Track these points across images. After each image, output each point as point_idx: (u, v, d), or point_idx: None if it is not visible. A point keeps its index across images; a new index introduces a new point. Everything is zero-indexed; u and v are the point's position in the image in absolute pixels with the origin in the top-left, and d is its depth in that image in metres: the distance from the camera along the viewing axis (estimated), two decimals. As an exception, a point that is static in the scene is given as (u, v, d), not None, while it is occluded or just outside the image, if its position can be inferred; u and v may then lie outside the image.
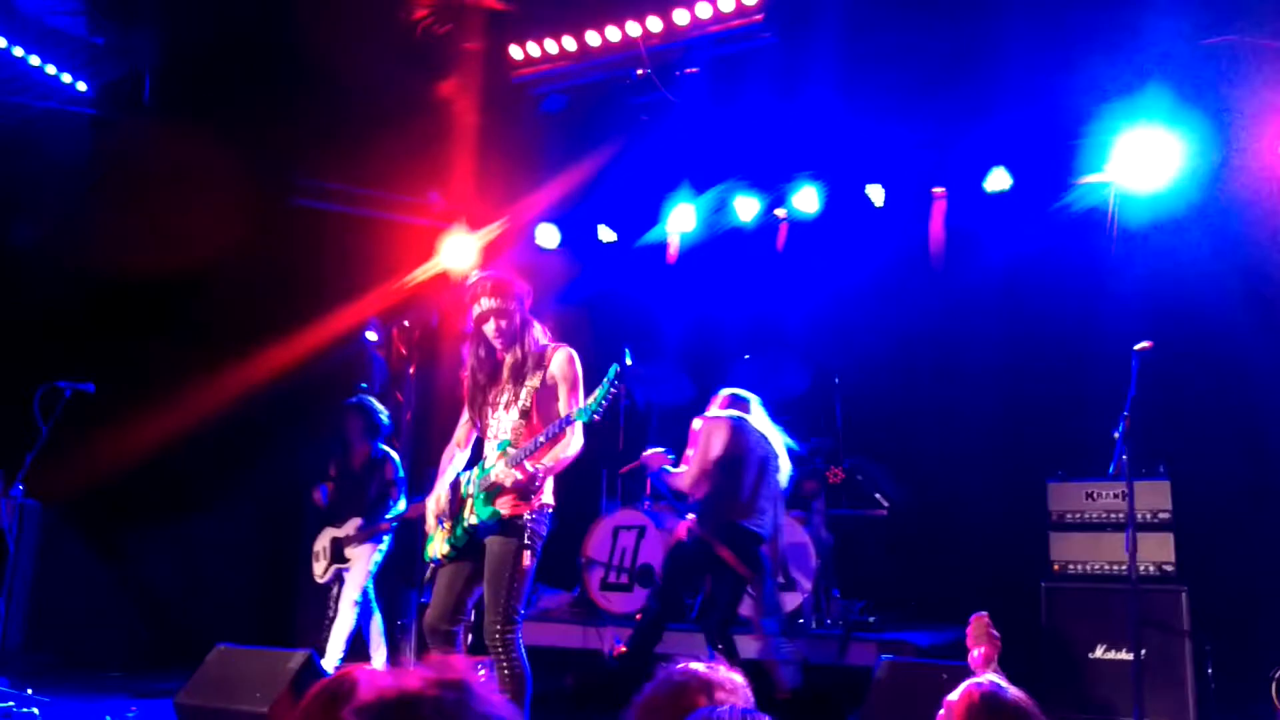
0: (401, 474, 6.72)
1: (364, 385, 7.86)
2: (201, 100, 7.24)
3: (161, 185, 7.10)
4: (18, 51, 6.75)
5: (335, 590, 6.56)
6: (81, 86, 7.14)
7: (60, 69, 6.99)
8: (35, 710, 5.46)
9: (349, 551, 6.50)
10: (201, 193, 7.10)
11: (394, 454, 6.77)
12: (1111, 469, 4.65)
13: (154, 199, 7.08)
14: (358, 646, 6.42)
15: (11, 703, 5.48)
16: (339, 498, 6.68)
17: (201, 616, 7.51)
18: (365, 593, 6.41)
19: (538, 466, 4.25)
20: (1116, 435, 4.68)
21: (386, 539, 6.60)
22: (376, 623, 6.55)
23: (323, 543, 6.60)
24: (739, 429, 5.57)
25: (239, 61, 7.26)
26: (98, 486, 6.93)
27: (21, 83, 6.81)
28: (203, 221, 7.02)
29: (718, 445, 5.51)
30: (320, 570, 6.55)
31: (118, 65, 7.06)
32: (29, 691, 5.61)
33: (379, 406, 6.83)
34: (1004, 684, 2.47)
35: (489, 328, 4.42)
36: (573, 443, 4.28)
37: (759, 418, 5.74)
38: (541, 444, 4.25)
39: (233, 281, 7.46)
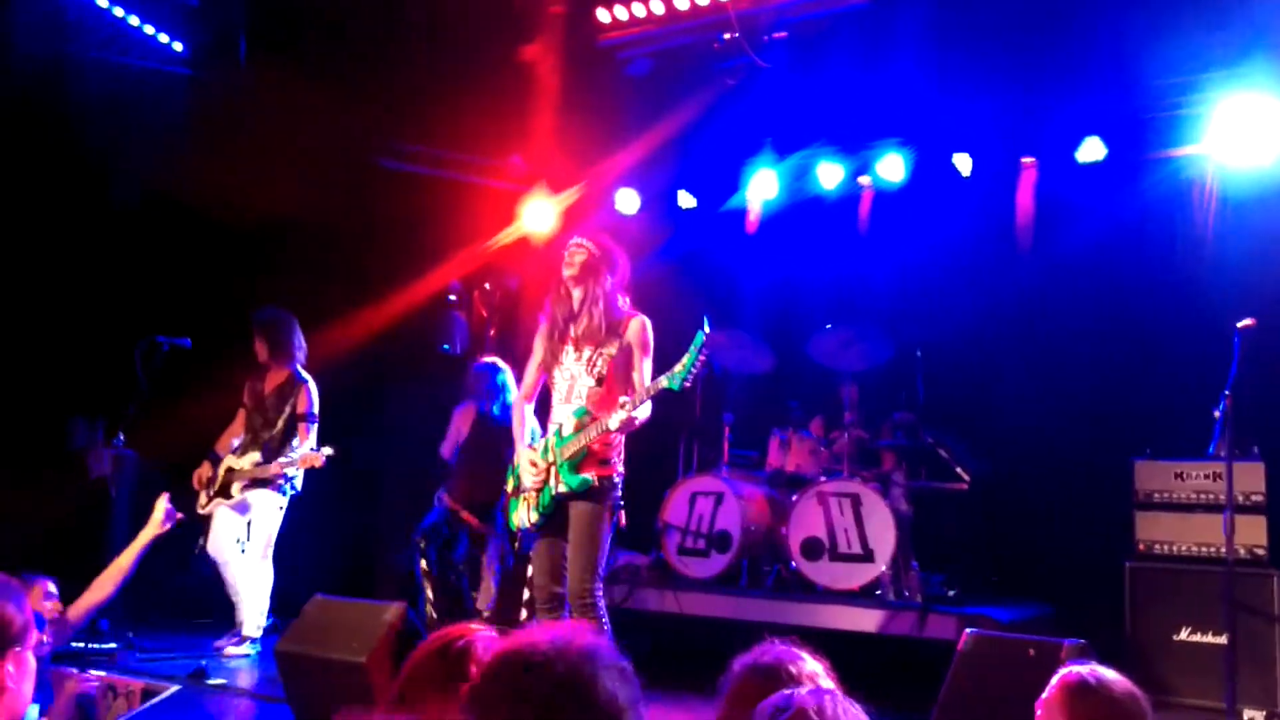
0: (316, 408, 6.19)
1: (446, 347, 7.99)
2: (292, 60, 7.34)
3: (254, 145, 7.23)
4: (118, 12, 6.90)
5: (201, 541, 6.10)
6: (178, 46, 7.29)
7: (158, 29, 7.14)
8: (137, 650, 5.70)
9: (235, 490, 6.05)
10: (292, 153, 7.22)
11: (311, 382, 6.24)
12: (1211, 448, 4.57)
13: (247, 159, 7.22)
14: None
15: (114, 644, 5.72)
16: (245, 427, 6.23)
17: (288, 568, 7.71)
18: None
19: (629, 427, 4.32)
20: (1217, 414, 4.59)
21: (286, 488, 6.08)
22: (258, 578, 6.03)
23: (210, 471, 6.13)
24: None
25: (328, 24, 7.35)
26: (192, 439, 7.14)
27: (121, 43, 6.97)
28: (293, 181, 7.14)
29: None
30: (201, 501, 6.10)
31: (212, 25, 7.18)
32: (130, 634, 5.84)
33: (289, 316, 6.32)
34: (1103, 670, 2.47)
35: (569, 270, 4.49)
36: (642, 409, 4.32)
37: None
38: (622, 417, 4.30)
39: (320, 241, 7.61)
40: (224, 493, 6.11)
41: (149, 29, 7.13)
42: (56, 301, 7.19)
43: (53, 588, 4.11)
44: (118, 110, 7.16)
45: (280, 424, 6.13)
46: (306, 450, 5.91)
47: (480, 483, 6.19)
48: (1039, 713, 2.50)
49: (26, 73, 6.70)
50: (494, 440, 6.12)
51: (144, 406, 6.20)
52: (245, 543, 6.07)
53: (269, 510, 6.10)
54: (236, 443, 6.29)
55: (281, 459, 5.98)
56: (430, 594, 6.21)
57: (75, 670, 3.91)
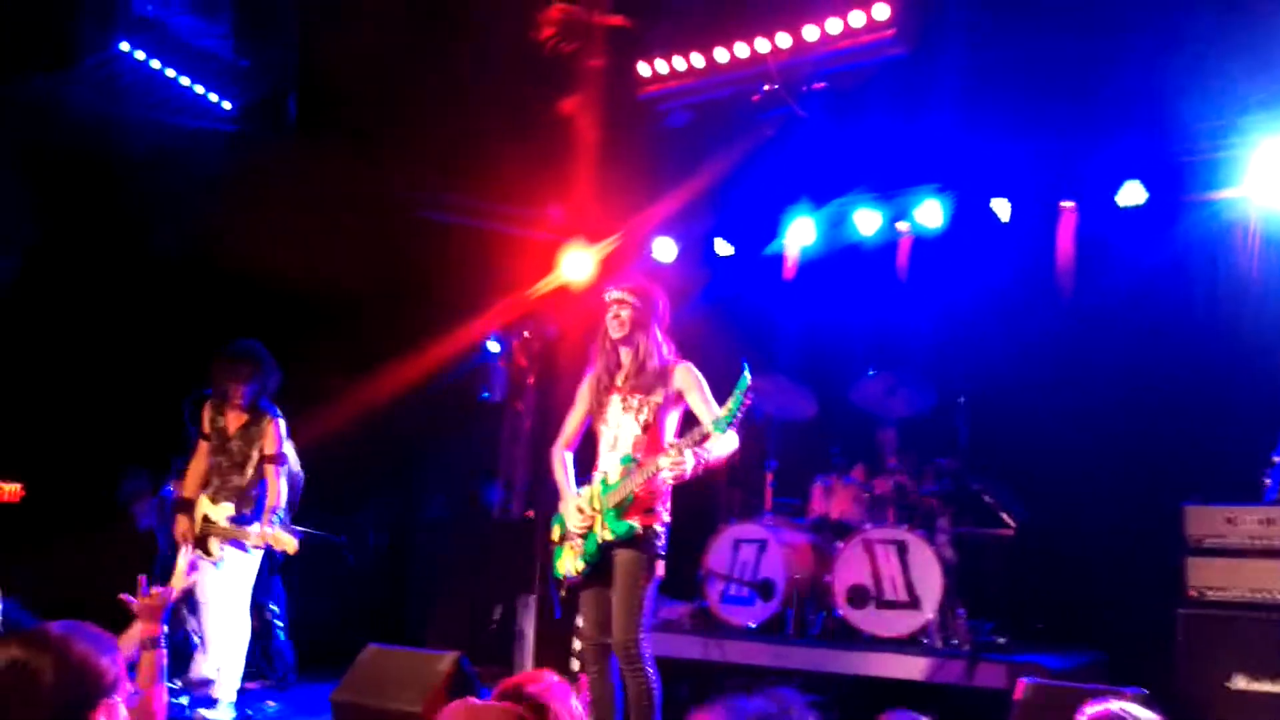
0: (285, 447, 5.65)
1: (486, 395, 8.06)
2: (335, 117, 7.52)
3: (296, 200, 7.38)
4: (170, 73, 7.11)
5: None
6: (227, 105, 7.48)
7: (208, 89, 7.34)
8: (184, 700, 5.72)
9: (214, 546, 5.49)
10: (333, 207, 7.36)
11: (280, 417, 5.67)
12: (1271, 494, 4.51)
13: (291, 214, 7.36)
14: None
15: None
16: (213, 470, 5.66)
17: (329, 618, 7.74)
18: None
19: (675, 476, 4.32)
20: (1277, 460, 4.54)
21: (258, 551, 5.54)
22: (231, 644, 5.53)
23: (189, 525, 5.57)
24: None
25: (372, 80, 7.52)
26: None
27: (174, 103, 7.17)
28: (333, 236, 7.28)
29: None
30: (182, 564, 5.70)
31: (260, 85, 7.37)
32: (176, 683, 5.87)
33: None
34: (1136, 709, 2.46)
35: (611, 317, 4.53)
36: (726, 442, 4.33)
37: None
38: (673, 460, 4.31)
39: (362, 294, 7.73)
40: (202, 546, 5.59)
41: (199, 88, 7.33)
42: (105, 355, 7.33)
43: None
44: (161, 165, 7.34)
45: (250, 470, 5.66)
46: (276, 523, 5.43)
47: None
48: None
49: (82, 133, 6.89)
50: None
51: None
52: (226, 600, 5.64)
53: (248, 565, 5.66)
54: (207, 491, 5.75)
55: (254, 531, 5.45)
56: None
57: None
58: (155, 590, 3.13)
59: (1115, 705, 2.46)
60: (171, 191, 7.46)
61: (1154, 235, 6.65)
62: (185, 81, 7.26)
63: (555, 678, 2.23)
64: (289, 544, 5.35)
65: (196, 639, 5.84)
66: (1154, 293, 6.66)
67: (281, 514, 5.53)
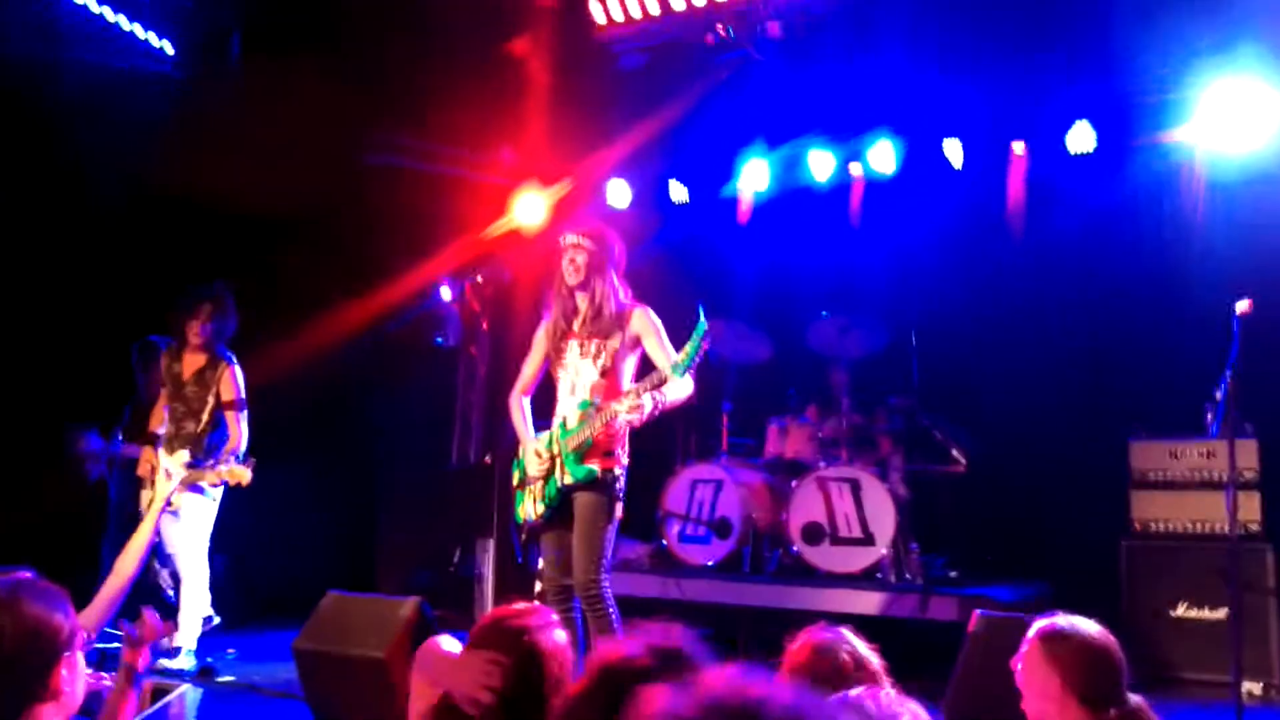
0: (243, 391, 5.60)
1: (440, 340, 8.02)
2: (281, 58, 7.33)
3: (243, 142, 7.22)
4: (108, 13, 6.87)
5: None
6: (168, 46, 7.27)
7: (146, 29, 7.11)
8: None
9: (176, 497, 5.23)
10: (281, 150, 7.21)
11: (236, 363, 5.65)
12: (1215, 428, 4.65)
13: (236, 156, 7.21)
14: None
15: (109, 643, 5.69)
16: (169, 417, 5.64)
17: (285, 564, 7.72)
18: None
19: (632, 420, 4.34)
20: (1219, 395, 4.68)
21: (215, 493, 5.49)
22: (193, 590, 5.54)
23: (155, 459, 5.57)
24: None
25: (316, 19, 7.34)
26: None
27: (113, 45, 6.94)
28: (281, 179, 7.14)
29: None
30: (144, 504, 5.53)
31: (202, 24, 7.16)
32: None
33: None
34: (1080, 620, 2.58)
35: (567, 263, 4.51)
36: (682, 386, 4.35)
37: None
38: (631, 404, 4.34)
39: (310, 239, 7.61)
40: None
41: (138, 29, 7.10)
42: (50, 306, 7.17)
43: None
44: (104, 111, 7.13)
45: (205, 415, 5.59)
46: (231, 461, 5.09)
47: None
48: (1018, 668, 2.59)
49: (17, 77, 6.67)
50: None
51: (140, 407, 6.21)
52: (192, 545, 5.62)
53: (205, 509, 5.61)
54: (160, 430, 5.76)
55: (209, 471, 5.15)
56: None
57: (90, 670, 3.91)
58: (149, 623, 2.98)
59: (1062, 619, 2.58)
60: (110, 137, 7.27)
61: (1102, 177, 6.75)
62: (124, 22, 7.02)
63: (532, 605, 2.21)
64: (243, 476, 5.08)
65: (170, 592, 5.81)
66: (1102, 233, 6.77)
67: (240, 457, 5.41)
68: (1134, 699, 2.55)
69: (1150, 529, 5.81)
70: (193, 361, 5.71)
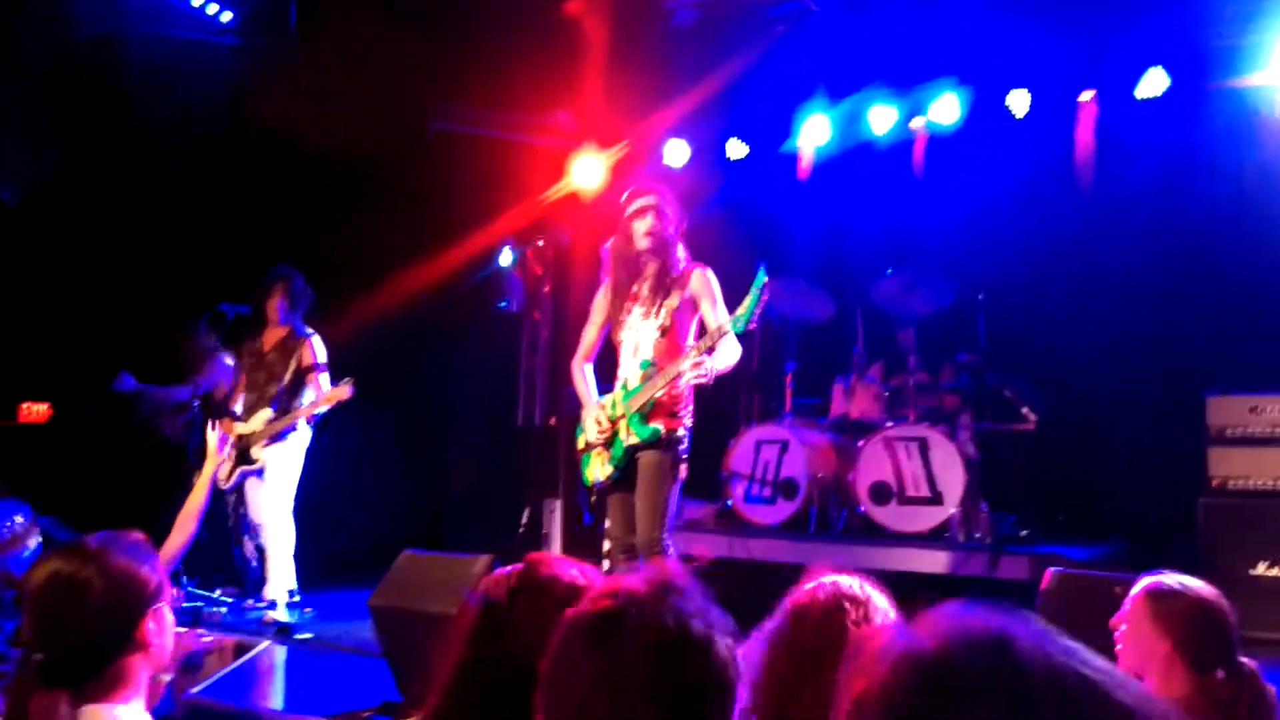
0: (324, 358, 5.97)
1: (504, 304, 8.05)
2: (337, 25, 7.35)
3: (304, 110, 7.27)
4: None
5: (234, 502, 5.96)
6: (226, 16, 7.32)
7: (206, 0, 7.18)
8: (223, 609, 5.85)
9: (256, 452, 5.82)
10: (342, 118, 7.25)
11: (317, 335, 6.02)
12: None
13: (298, 124, 7.26)
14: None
15: (200, 602, 5.87)
16: (248, 387, 6.00)
17: (357, 524, 7.84)
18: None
19: (696, 378, 4.34)
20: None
21: (303, 436, 5.85)
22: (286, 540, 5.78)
23: (233, 429, 5.90)
24: None
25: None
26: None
27: (172, 17, 7.01)
28: (344, 146, 7.18)
29: None
30: (224, 474, 5.80)
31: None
32: (216, 593, 6.00)
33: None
34: (1189, 579, 2.47)
35: (639, 224, 4.50)
36: (730, 351, 4.36)
37: None
38: (694, 361, 4.34)
39: (372, 204, 7.66)
40: (244, 459, 5.89)
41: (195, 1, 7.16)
42: (126, 275, 7.31)
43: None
44: (161, 83, 7.21)
45: (288, 378, 5.90)
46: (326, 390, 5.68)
47: None
48: (1121, 629, 2.47)
49: (83, 53, 6.77)
50: None
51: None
52: (278, 503, 5.88)
53: (291, 464, 5.89)
54: (239, 409, 6.07)
55: (305, 404, 5.74)
56: None
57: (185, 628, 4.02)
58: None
59: (1170, 577, 2.46)
60: (173, 108, 7.35)
61: (1176, 125, 6.55)
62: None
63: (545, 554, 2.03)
64: (342, 393, 5.57)
65: (255, 563, 6.02)
66: (1175, 183, 6.58)
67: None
68: (1248, 664, 2.38)
69: (1229, 486, 5.68)
70: (273, 335, 6.03)
